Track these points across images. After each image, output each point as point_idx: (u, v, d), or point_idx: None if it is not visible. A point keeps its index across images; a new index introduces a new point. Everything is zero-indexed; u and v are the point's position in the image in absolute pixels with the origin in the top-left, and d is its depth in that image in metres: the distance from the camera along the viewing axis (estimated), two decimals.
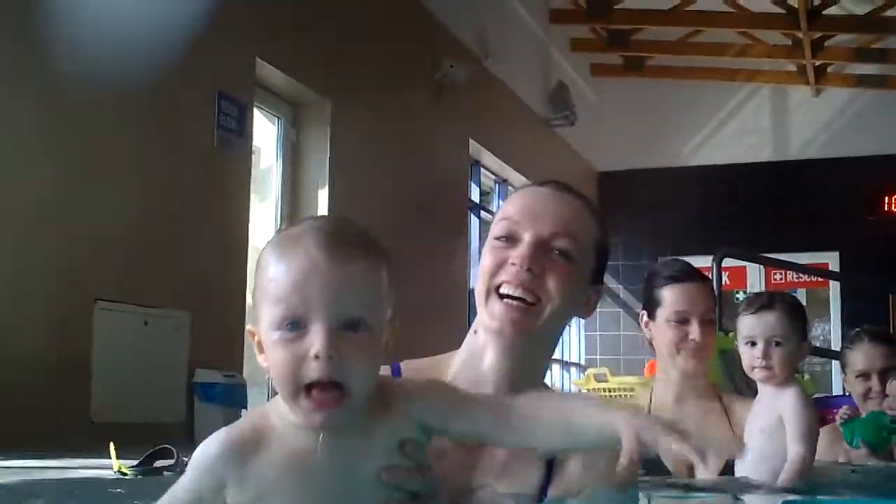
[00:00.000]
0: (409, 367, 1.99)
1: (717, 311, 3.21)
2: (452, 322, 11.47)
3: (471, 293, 12.46)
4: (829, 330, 16.17)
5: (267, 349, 1.37)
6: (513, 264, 1.84)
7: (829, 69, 15.42)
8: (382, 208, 9.65)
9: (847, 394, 5.85)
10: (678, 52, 14.94)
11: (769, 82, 15.90)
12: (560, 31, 14.82)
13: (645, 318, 3.30)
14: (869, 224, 15.32)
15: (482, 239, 13.29)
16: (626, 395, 5.23)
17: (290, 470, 1.37)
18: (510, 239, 1.86)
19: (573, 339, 16.50)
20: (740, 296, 16.45)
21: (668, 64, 15.57)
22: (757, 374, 2.82)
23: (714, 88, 15.87)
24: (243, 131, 7.71)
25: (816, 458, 2.95)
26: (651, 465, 2.98)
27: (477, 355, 1.96)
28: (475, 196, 12.79)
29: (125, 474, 3.08)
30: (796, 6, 12.77)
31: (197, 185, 7.27)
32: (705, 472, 2.90)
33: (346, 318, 1.32)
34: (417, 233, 10.44)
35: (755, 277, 15.66)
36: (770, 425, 2.78)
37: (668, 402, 3.25)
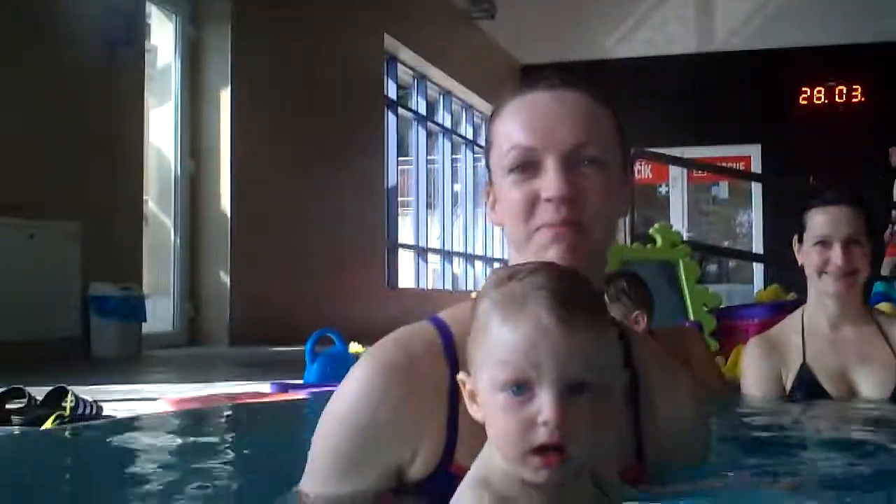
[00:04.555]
0: (450, 316, 1.69)
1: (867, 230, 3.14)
2: (373, 221, 11.28)
3: (390, 192, 12.31)
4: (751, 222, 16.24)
5: (486, 408, 1.34)
6: (547, 200, 1.57)
7: None
8: (291, 108, 9.31)
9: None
10: None
11: None
12: None
13: (796, 242, 3.23)
14: (790, 117, 15.30)
15: (399, 137, 13.08)
16: None
17: None
18: (528, 168, 1.59)
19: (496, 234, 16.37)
20: (662, 189, 16.42)
21: None
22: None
23: None
24: (133, 30, 7.27)
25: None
26: (807, 387, 3.06)
27: None
28: (392, 93, 12.44)
29: None
30: None
31: (84, 88, 6.85)
32: None
33: (574, 382, 1.29)
34: (331, 132, 10.13)
35: (677, 171, 15.58)
36: None
37: (821, 328, 3.20)
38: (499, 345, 1.32)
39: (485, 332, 1.35)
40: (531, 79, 1.67)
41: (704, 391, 1.77)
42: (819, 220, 3.12)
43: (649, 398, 1.66)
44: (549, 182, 1.57)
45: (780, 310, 3.94)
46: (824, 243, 3.09)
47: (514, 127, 1.62)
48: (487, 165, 1.70)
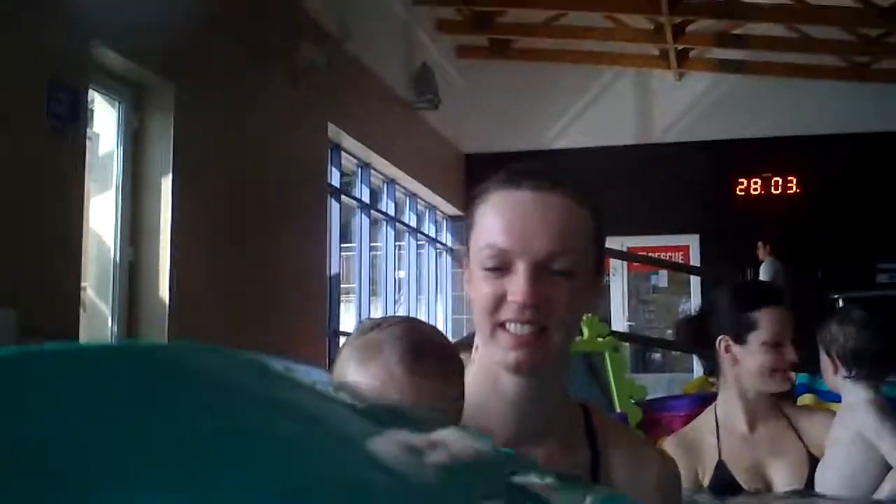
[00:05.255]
0: None
1: None
2: (314, 309, 11.27)
3: (332, 280, 12.33)
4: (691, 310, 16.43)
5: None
6: (513, 301, 1.66)
7: (691, 54, 15.62)
8: (233, 196, 9.36)
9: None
10: (543, 34, 14.93)
11: (632, 66, 16.02)
12: (425, 11, 14.63)
13: (727, 341, 3.20)
14: (728, 207, 15.62)
15: (342, 224, 13.14)
16: None
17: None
18: (502, 268, 1.68)
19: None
20: (605, 279, 16.58)
21: (534, 47, 15.55)
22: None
23: (578, 72, 15.94)
24: (76, 117, 7.31)
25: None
26: (723, 484, 3.11)
27: (489, 376, 1.78)
28: (336, 181, 12.54)
29: None
30: None
31: (23, 174, 6.85)
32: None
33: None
34: (273, 220, 10.18)
35: (618, 261, 15.78)
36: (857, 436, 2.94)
37: (737, 424, 3.23)
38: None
39: (341, 377, 1.44)
40: (519, 170, 1.79)
41: (675, 474, 1.84)
42: (772, 320, 3.16)
43: (610, 478, 1.74)
44: (517, 286, 1.66)
45: (704, 401, 4.01)
46: (776, 343, 3.15)
47: (493, 223, 1.72)
48: (466, 240, 1.82)
